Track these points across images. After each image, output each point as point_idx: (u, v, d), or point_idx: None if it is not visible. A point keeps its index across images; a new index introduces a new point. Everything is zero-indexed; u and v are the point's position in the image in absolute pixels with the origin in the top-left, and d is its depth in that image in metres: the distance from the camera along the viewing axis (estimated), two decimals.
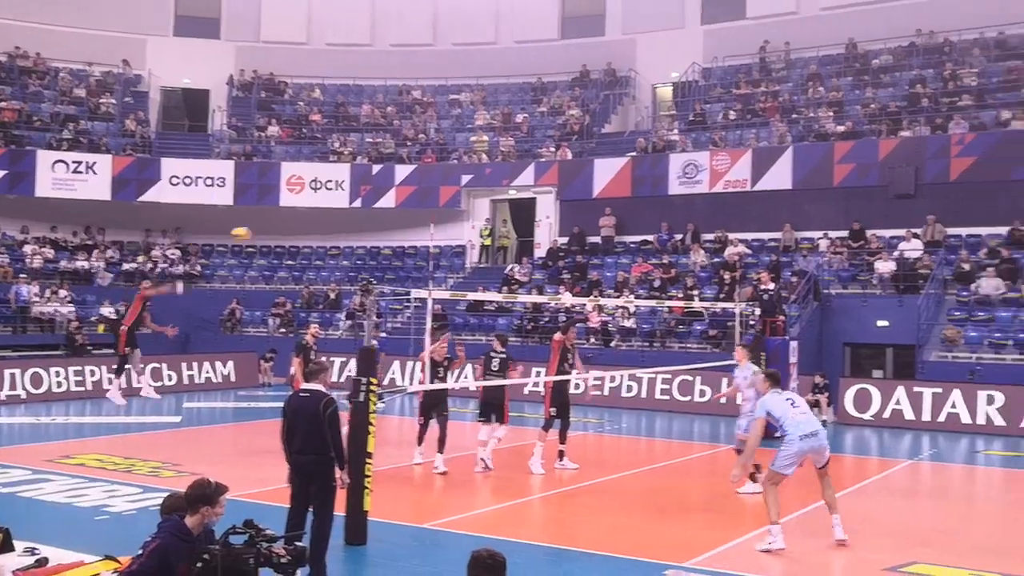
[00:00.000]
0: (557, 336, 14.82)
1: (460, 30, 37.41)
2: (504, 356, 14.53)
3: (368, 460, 9.95)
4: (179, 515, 5.70)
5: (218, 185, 32.85)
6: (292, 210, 33.43)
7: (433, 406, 14.14)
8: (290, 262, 34.64)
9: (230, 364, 27.13)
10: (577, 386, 15.70)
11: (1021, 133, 25.65)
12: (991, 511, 13.51)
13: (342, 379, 23.76)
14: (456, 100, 37.24)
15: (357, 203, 33.08)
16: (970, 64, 29.58)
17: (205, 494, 5.62)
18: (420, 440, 14.53)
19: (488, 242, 32.85)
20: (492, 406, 14.36)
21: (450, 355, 14.73)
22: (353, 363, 12.43)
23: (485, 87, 37.41)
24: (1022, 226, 24.97)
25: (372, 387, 10.05)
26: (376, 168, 33.16)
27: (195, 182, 32.72)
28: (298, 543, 5.34)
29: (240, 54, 37.46)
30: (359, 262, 34.00)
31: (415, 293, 14.59)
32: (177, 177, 32.60)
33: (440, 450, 13.90)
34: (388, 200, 32.95)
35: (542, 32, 37.07)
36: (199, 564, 5.15)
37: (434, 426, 14.08)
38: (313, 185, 32.96)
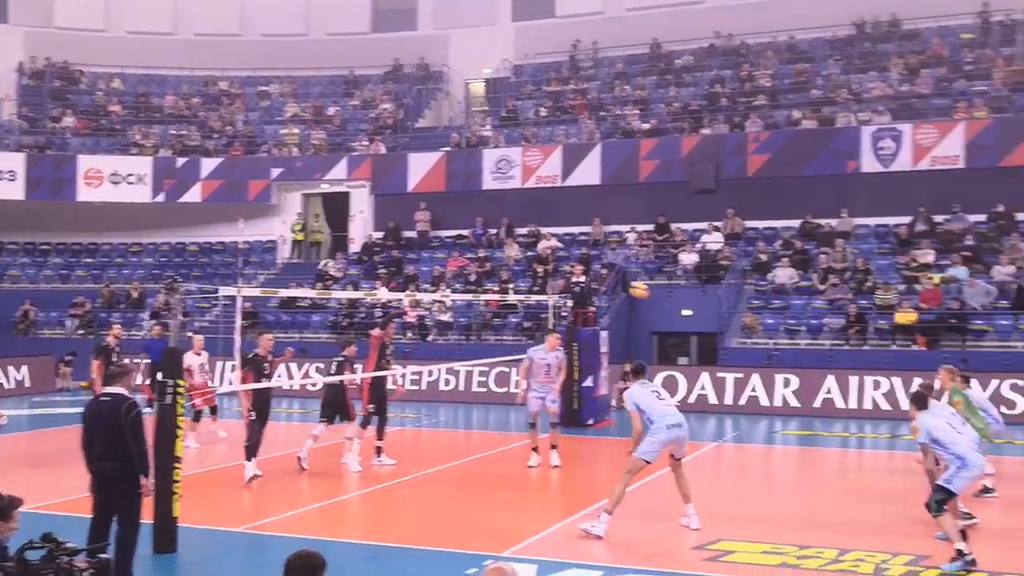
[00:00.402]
0: (376, 332, 14.70)
1: (269, 21, 36.54)
2: (343, 358, 14.37)
3: (177, 464, 9.57)
4: None
5: (7, 179, 30.87)
6: (90, 205, 31.79)
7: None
8: (89, 260, 32.93)
9: (24, 369, 25.52)
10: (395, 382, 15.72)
11: (811, 132, 27.26)
12: (789, 488, 14.30)
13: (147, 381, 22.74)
14: (265, 92, 36.34)
15: (160, 197, 31.79)
16: (764, 66, 31.20)
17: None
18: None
19: (300, 237, 32.21)
20: (334, 407, 14.24)
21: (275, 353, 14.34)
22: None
23: (295, 79, 36.67)
24: (813, 219, 26.56)
25: (179, 389, 9.67)
26: (181, 161, 31.95)
27: None
28: (102, 555, 5.05)
29: (30, 39, 35.31)
30: (163, 259, 32.69)
31: (224, 291, 14.05)
32: None
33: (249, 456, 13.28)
34: (194, 194, 31.82)
35: (354, 25, 36.68)
36: None
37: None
38: (113, 179, 31.44)
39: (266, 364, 13.22)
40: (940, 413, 9.71)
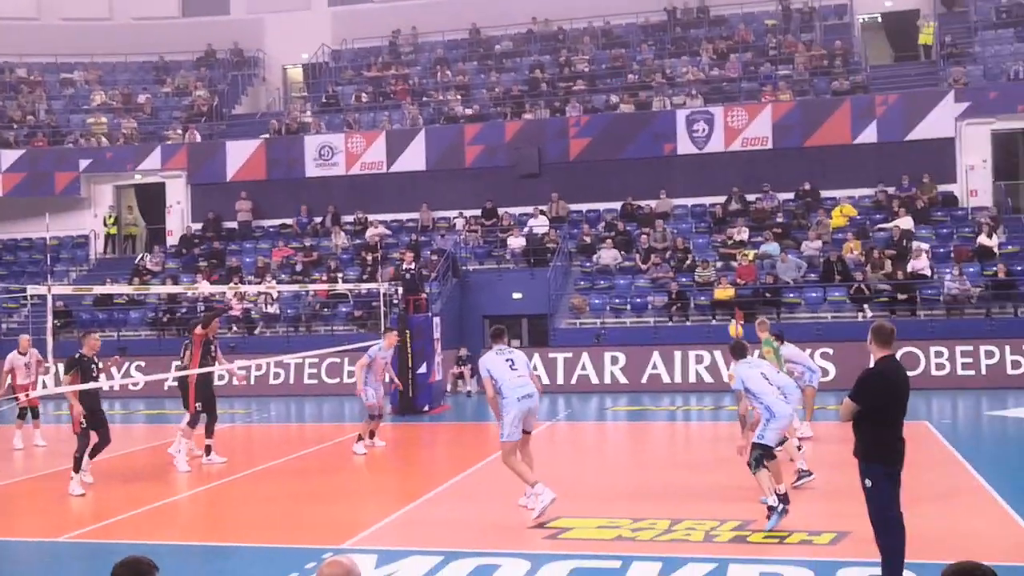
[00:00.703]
0: (198, 330, 14.19)
1: (70, 4, 34.70)
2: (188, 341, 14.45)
3: None
4: None
5: None
6: None
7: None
8: None
9: None
10: (221, 377, 15.31)
11: (628, 116, 27.99)
12: (621, 462, 14.69)
13: None
14: (69, 79, 34.48)
15: None
16: (582, 51, 31.82)
17: None
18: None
19: (114, 231, 30.75)
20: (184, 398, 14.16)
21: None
22: None
23: (100, 65, 34.95)
24: (633, 201, 27.31)
25: None
26: None
27: None
28: None
29: None
30: None
31: (32, 290, 13.24)
32: None
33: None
34: None
35: (162, 9, 35.31)
36: None
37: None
38: None
39: (94, 365, 12.48)
40: (755, 364, 10.23)
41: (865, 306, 22.04)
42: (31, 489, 12.94)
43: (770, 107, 26.80)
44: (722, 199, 26.66)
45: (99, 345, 12.74)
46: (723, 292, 22.91)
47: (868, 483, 6.99)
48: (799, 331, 21.83)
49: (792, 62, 29.25)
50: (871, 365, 7.37)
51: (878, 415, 7.01)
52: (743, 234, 25.10)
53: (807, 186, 26.26)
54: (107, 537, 9.91)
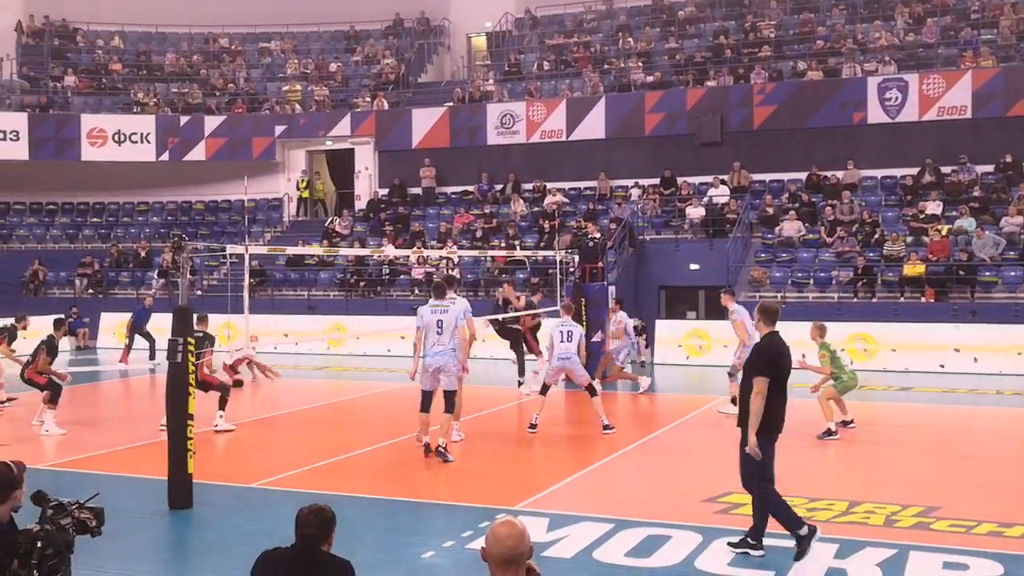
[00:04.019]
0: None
1: None
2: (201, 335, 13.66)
3: (189, 422, 9.65)
4: None
5: (11, 139, 30.76)
6: (95, 165, 31.71)
7: None
8: (96, 219, 32.93)
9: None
10: None
11: (815, 83, 27.03)
12: (798, 440, 14.35)
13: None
14: (266, 49, 36.07)
15: (165, 156, 31.69)
16: (768, 16, 30.88)
17: (13, 479, 5.19)
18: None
19: (306, 195, 32.14)
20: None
21: None
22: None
23: (296, 35, 36.38)
24: (819, 171, 26.43)
25: (190, 347, 9.72)
26: (184, 119, 31.80)
27: None
28: (94, 506, 5.09)
29: None
30: (170, 218, 32.68)
31: (231, 249, 14.01)
32: None
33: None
34: (198, 153, 31.72)
35: None
36: (39, 545, 4.80)
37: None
38: (117, 138, 31.33)
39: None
40: None
41: None
42: (229, 435, 13.77)
43: (970, 74, 25.32)
44: (914, 171, 25.45)
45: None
46: (913, 268, 21.94)
47: (757, 456, 7.63)
48: (995, 311, 20.78)
49: (996, 26, 27.49)
50: (759, 340, 8.02)
51: (772, 387, 7.64)
52: (936, 208, 23.91)
53: (1008, 159, 24.72)
54: (294, 486, 10.49)
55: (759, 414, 7.59)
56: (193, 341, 9.85)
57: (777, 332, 7.93)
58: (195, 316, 11.07)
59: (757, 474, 7.79)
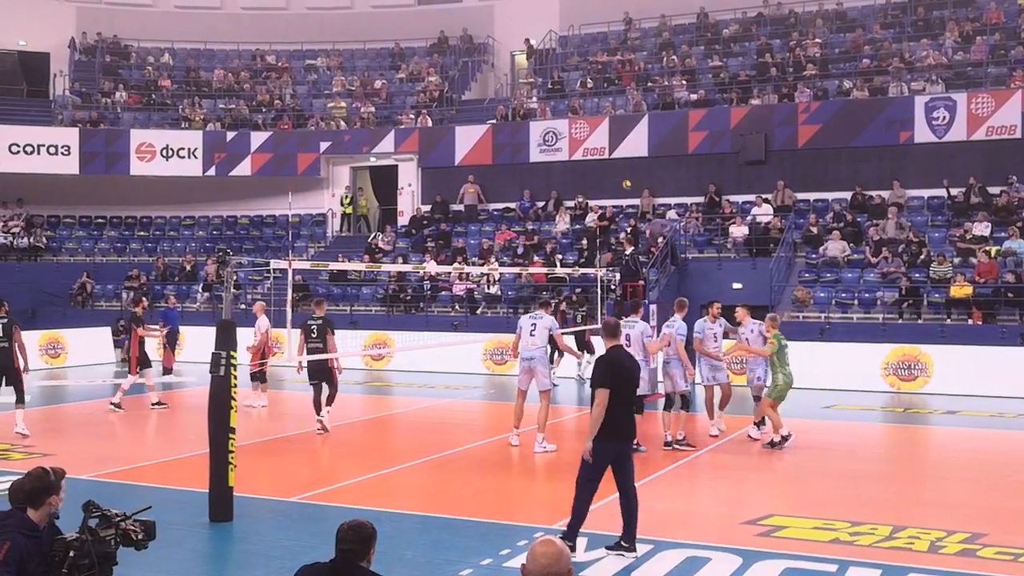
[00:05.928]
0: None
1: None
2: (321, 322, 15.16)
3: (231, 435, 9.73)
4: (19, 507, 5.29)
5: (63, 153, 31.36)
6: (143, 179, 32.22)
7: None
8: (143, 233, 33.44)
9: (84, 340, 26.13)
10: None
11: (860, 102, 26.80)
12: (842, 463, 14.16)
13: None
14: (312, 66, 36.48)
15: (211, 171, 32.12)
16: (813, 35, 30.70)
17: (49, 484, 5.27)
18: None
19: (349, 210, 32.41)
20: (319, 373, 14.98)
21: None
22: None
23: (341, 52, 36.76)
24: (863, 191, 26.18)
25: (233, 360, 9.81)
26: (230, 135, 32.22)
27: (37, 150, 31.16)
28: (146, 519, 5.15)
29: (82, 15, 35.76)
30: (215, 232, 33.07)
31: (275, 263, 14.20)
32: (17, 145, 30.96)
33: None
34: (244, 168, 32.11)
35: None
36: (72, 554, 4.87)
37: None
38: (165, 153, 31.81)
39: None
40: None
41: None
42: (270, 449, 13.87)
43: (1020, 93, 24.93)
44: (960, 191, 25.10)
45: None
46: (960, 290, 21.63)
47: (589, 459, 8.18)
48: None
49: None
50: (602, 354, 8.46)
51: (612, 398, 8.07)
52: (984, 229, 23.56)
53: None
54: (334, 500, 10.54)
55: (599, 422, 8.11)
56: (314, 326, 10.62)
57: (620, 346, 8.65)
58: (313, 301, 12.42)
59: (583, 474, 8.31)
